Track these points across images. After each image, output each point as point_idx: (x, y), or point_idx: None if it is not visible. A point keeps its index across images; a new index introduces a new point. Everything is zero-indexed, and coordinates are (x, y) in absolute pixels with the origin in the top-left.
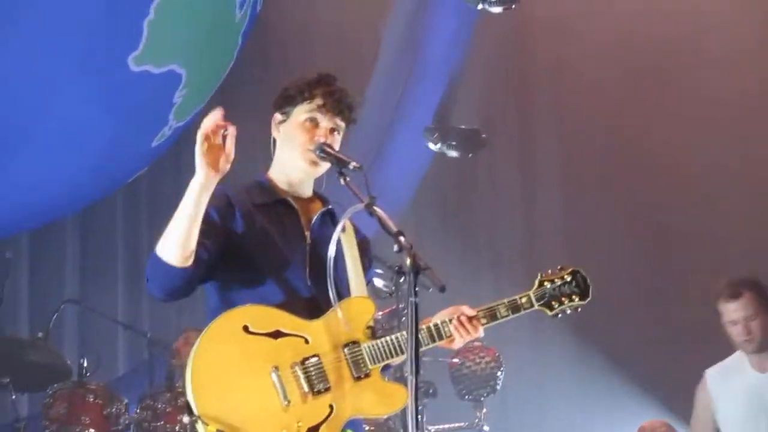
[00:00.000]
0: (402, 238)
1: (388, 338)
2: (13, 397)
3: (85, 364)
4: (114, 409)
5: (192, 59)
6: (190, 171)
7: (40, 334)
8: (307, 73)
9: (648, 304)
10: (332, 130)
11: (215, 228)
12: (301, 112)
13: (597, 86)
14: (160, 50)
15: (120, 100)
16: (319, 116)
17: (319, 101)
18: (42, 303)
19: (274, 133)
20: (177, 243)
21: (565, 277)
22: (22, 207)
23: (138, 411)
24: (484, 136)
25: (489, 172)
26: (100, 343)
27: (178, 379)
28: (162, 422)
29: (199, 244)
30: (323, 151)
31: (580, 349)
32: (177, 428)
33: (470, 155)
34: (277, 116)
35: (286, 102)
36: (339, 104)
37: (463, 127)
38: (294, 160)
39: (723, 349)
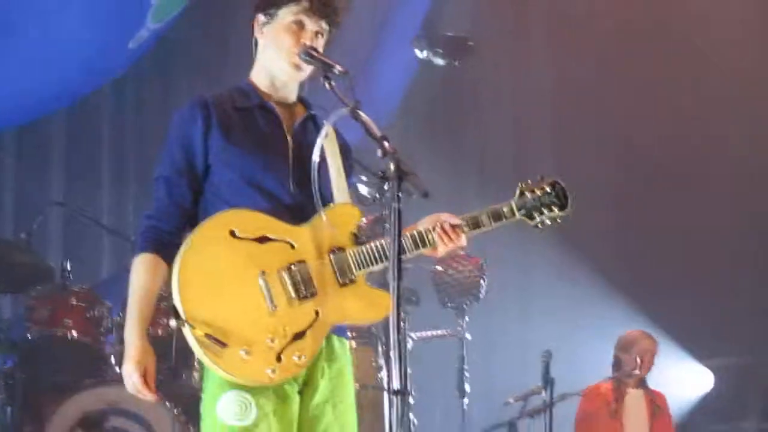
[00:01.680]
0: (386, 143)
1: (372, 244)
2: None
3: (69, 268)
4: (96, 312)
5: None
6: (176, 72)
7: (23, 235)
8: None
9: (633, 215)
10: (317, 33)
11: (192, 168)
12: (287, 14)
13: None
14: None
15: None
16: (305, 19)
17: (305, 3)
18: (26, 203)
19: (257, 35)
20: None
21: (546, 187)
22: (2, 99)
23: (120, 315)
24: (471, 43)
25: (476, 80)
26: (84, 245)
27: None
28: None
29: (178, 186)
30: (308, 55)
31: (564, 260)
32: (159, 332)
33: (457, 63)
34: (260, 17)
35: (270, 3)
36: (325, 7)
37: (450, 34)
38: (278, 63)
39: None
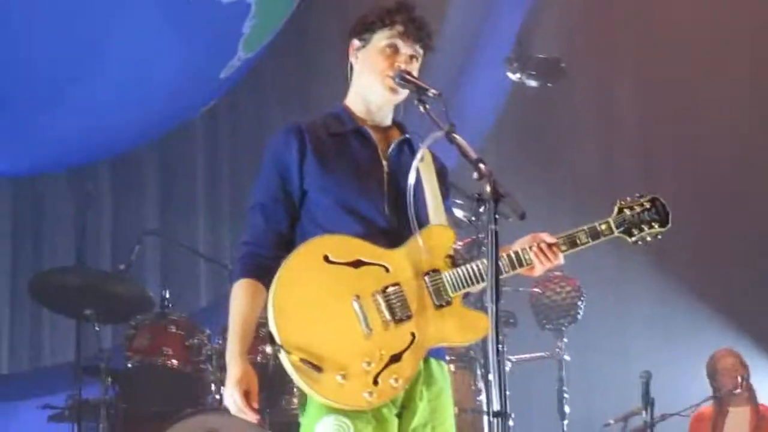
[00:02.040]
0: (482, 165)
1: (468, 266)
2: (97, 329)
3: (167, 296)
4: (196, 340)
5: None
6: (269, 100)
7: (122, 266)
8: (383, 2)
9: (728, 234)
10: (412, 57)
11: (288, 194)
12: (382, 39)
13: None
14: None
15: (189, 26)
16: (399, 42)
17: (399, 27)
18: (124, 235)
19: (352, 60)
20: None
21: (645, 204)
22: (95, 132)
23: (220, 342)
24: (563, 65)
25: (568, 101)
26: (181, 274)
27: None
28: None
29: (274, 213)
30: (403, 78)
31: (659, 280)
32: (258, 359)
33: (549, 85)
34: (356, 42)
35: (365, 29)
36: (419, 31)
37: (542, 56)
38: (373, 86)
39: None
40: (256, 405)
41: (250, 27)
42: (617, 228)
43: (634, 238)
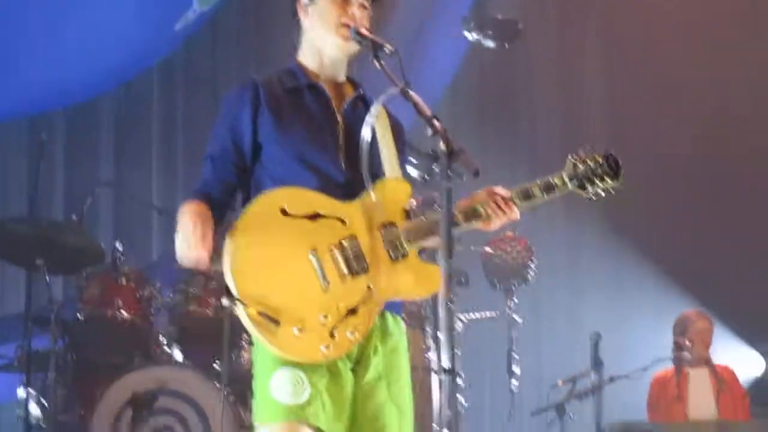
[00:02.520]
0: (436, 121)
1: (423, 218)
2: (48, 279)
3: (119, 248)
4: (147, 292)
5: None
6: (225, 53)
7: (74, 217)
8: None
9: (685, 196)
10: (362, 6)
11: (239, 148)
12: None
13: None
14: None
15: None
16: None
17: None
18: (77, 186)
19: (301, 16)
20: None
21: (598, 158)
22: (51, 82)
23: (171, 295)
24: (521, 26)
25: (528, 63)
26: (134, 227)
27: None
28: (194, 306)
29: (223, 164)
30: (358, 34)
31: (612, 242)
32: (209, 312)
33: (507, 46)
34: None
35: None
36: None
37: (500, 17)
38: (326, 38)
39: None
40: (209, 246)
41: None
42: (570, 181)
43: (587, 193)
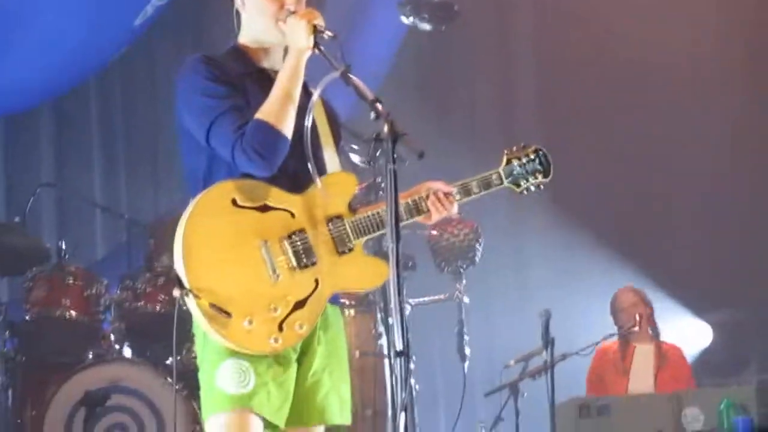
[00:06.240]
0: (379, 105)
1: (370, 212)
2: None
3: (64, 247)
4: (94, 291)
5: None
6: (162, 58)
7: (17, 219)
8: None
9: (623, 172)
10: None
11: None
12: None
13: None
14: None
15: None
16: None
17: None
18: (18, 187)
19: (238, 7)
20: (292, 116)
21: (530, 154)
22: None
23: (118, 292)
24: (456, 9)
25: (465, 45)
26: (78, 226)
27: (156, 260)
28: (142, 302)
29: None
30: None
31: (557, 221)
32: (157, 308)
33: (443, 28)
34: None
35: None
36: None
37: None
38: (267, 30)
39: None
40: None
41: None
42: (506, 178)
43: (520, 189)
